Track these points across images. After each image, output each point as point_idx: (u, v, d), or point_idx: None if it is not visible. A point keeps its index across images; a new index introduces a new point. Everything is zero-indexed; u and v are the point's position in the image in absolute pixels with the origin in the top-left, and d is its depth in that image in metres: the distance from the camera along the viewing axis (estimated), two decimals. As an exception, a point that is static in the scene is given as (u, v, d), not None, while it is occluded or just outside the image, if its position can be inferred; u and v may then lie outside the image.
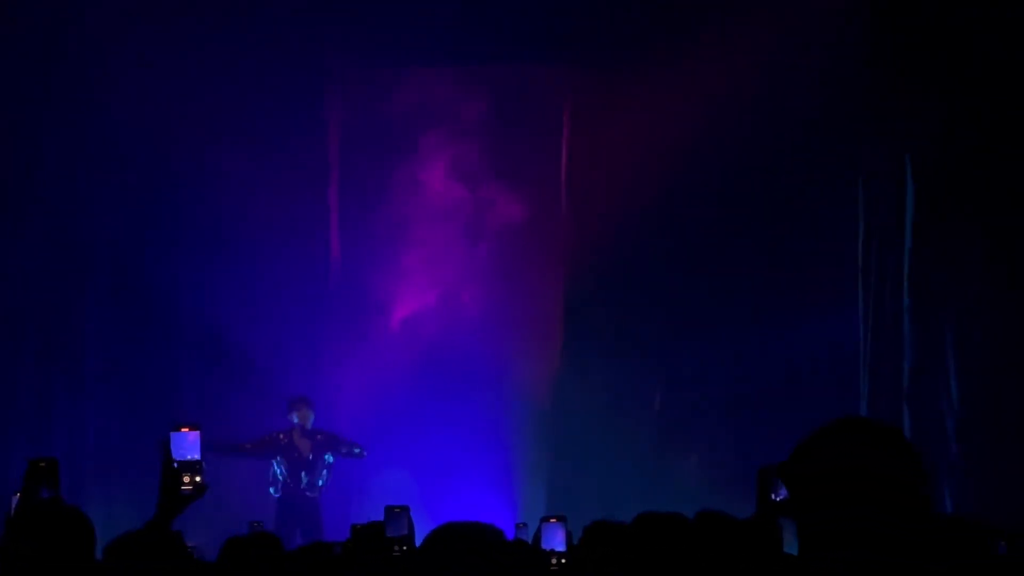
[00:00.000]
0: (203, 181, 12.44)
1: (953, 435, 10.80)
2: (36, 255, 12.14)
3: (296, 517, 11.92)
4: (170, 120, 12.33)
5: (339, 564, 5.32)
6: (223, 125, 12.45)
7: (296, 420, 12.21)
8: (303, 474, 12.10)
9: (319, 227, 13.44)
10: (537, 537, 5.20)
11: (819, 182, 12.21)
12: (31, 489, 4.73)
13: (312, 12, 12.71)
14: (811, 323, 12.07)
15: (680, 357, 12.73)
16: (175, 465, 4.11)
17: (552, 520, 5.08)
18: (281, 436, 12.19)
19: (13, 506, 4.90)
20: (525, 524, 7.35)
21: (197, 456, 4.13)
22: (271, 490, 12.13)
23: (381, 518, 5.18)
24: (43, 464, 4.78)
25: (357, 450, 12.25)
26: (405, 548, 5.07)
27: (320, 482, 12.11)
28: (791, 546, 3.59)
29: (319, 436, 12.21)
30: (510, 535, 5.95)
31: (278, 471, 12.14)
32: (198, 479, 4.12)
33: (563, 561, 4.96)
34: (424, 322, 13.37)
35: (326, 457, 12.16)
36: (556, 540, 5.01)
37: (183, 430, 4.14)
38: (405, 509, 5.17)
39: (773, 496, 4.94)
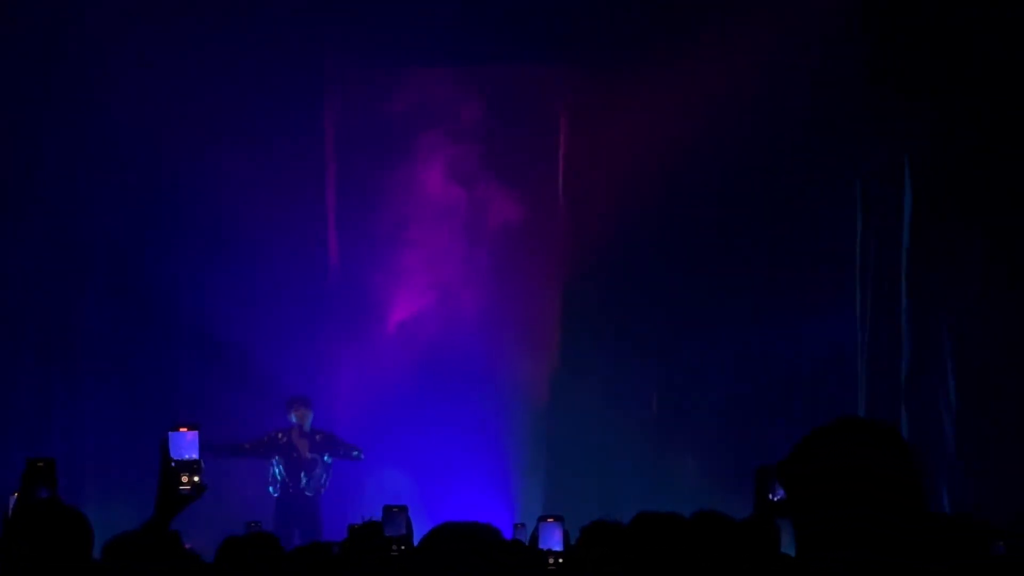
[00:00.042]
0: (202, 181, 12.43)
1: (951, 435, 10.80)
2: (36, 255, 12.16)
3: (295, 517, 11.91)
4: (170, 120, 12.33)
5: (337, 564, 5.32)
6: (223, 125, 12.44)
7: (295, 420, 12.21)
8: (302, 474, 12.10)
9: (318, 227, 13.43)
10: (534, 537, 5.20)
11: (818, 182, 12.21)
12: (29, 489, 4.73)
13: (311, 12, 12.72)
14: (810, 323, 12.08)
15: (678, 357, 12.73)
16: (173, 465, 4.11)
17: (550, 520, 5.07)
18: (280, 436, 12.18)
19: (11, 506, 4.90)
20: (523, 524, 7.35)
21: (195, 456, 4.12)
22: (270, 490, 12.13)
23: (379, 517, 5.18)
24: (41, 464, 4.78)
25: (355, 453, 12.25)
26: (403, 548, 5.07)
27: (319, 483, 12.11)
28: (789, 546, 3.60)
29: (318, 436, 12.21)
30: (508, 535, 5.96)
31: (277, 471, 12.13)
32: (196, 479, 4.11)
33: (560, 561, 4.96)
34: (422, 322, 13.35)
35: (324, 458, 12.16)
36: (553, 540, 5.01)
37: (181, 430, 4.13)
38: (403, 509, 5.18)
39: (771, 496, 4.94)
